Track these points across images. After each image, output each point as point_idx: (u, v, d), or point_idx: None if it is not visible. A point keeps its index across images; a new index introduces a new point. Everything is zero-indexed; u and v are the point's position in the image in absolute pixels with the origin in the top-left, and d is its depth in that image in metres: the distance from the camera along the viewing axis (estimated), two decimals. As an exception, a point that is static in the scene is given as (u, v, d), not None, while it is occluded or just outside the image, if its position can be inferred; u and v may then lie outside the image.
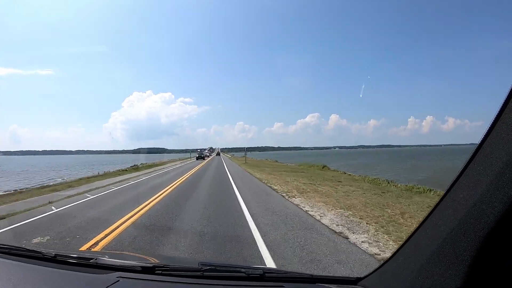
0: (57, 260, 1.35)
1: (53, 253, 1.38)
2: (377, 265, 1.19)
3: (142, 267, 1.29)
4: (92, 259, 1.33)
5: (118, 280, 1.16)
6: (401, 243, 1.02)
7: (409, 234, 0.97)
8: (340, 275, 1.98)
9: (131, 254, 2.48)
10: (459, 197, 0.77)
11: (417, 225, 0.93)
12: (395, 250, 1.04)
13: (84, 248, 4.32)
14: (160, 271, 1.26)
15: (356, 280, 1.19)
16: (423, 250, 0.87)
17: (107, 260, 1.34)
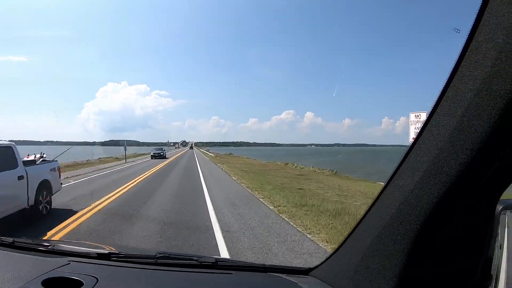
0: (14, 246, 1.37)
1: (11, 239, 1.40)
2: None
3: (97, 253, 1.30)
4: (49, 245, 1.35)
5: (69, 263, 1.17)
6: (347, 233, 1.06)
7: (355, 224, 1.01)
8: (293, 266, 1.85)
9: (92, 243, 2.00)
10: (398, 185, 0.80)
11: (362, 215, 0.97)
12: (342, 240, 1.08)
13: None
14: (116, 258, 1.27)
15: (308, 271, 1.22)
16: (365, 239, 0.90)
17: (63, 246, 1.36)
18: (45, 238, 4.56)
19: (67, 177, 14.23)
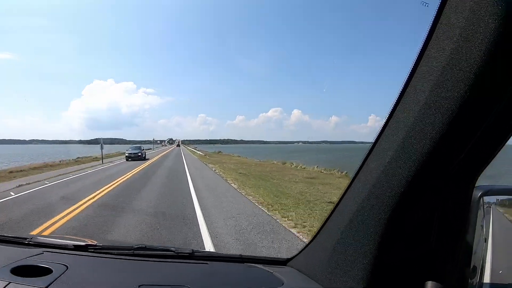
0: None
1: None
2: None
3: (74, 245, 1.28)
4: (28, 238, 1.33)
5: (42, 253, 1.16)
6: (321, 223, 1.06)
7: (328, 214, 1.01)
8: (271, 256, 2.03)
9: (72, 237, 2.17)
10: (369, 168, 0.80)
11: (336, 202, 0.96)
12: (317, 230, 1.08)
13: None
14: (93, 250, 1.26)
15: (286, 261, 1.24)
16: (338, 226, 0.90)
17: (41, 239, 1.35)
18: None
19: (18, 186, 10.79)
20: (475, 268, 0.69)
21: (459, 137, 0.61)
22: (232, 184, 11.06)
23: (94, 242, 1.32)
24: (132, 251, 1.25)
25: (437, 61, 0.61)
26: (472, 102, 0.57)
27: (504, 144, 0.62)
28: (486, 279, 0.68)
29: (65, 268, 1.01)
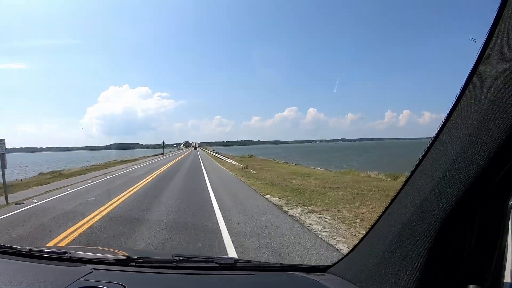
0: (32, 255, 1.35)
1: (27, 248, 1.38)
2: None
3: (115, 259, 1.29)
4: (66, 253, 1.33)
5: (92, 271, 1.16)
6: (366, 231, 1.06)
7: (373, 222, 1.02)
8: (310, 264, 1.96)
9: (105, 248, 2.16)
10: (417, 184, 0.82)
11: (380, 213, 0.98)
12: (360, 238, 1.09)
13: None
14: (134, 263, 1.25)
15: (325, 268, 1.22)
16: (384, 236, 0.92)
17: (81, 254, 1.34)
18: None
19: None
20: (508, 270, 0.71)
21: (505, 156, 0.64)
22: None
23: (130, 255, 1.34)
24: (174, 263, 1.24)
25: (485, 90, 0.65)
26: None
27: None
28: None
29: None
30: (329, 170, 20.33)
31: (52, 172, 22.38)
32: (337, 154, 61.27)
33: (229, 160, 27.36)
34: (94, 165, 28.83)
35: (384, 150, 73.60)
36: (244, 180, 13.21)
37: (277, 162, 30.86)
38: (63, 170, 23.95)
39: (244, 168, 19.27)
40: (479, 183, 0.67)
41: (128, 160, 36.52)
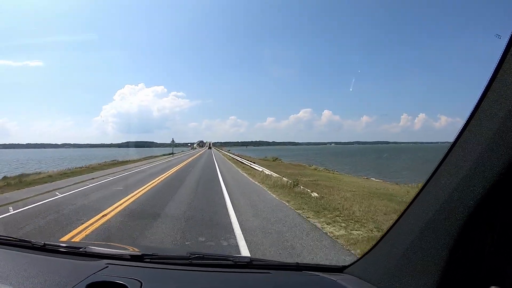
0: (47, 249, 1.34)
1: (42, 242, 1.37)
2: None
3: (130, 255, 1.28)
4: (81, 248, 1.32)
5: (107, 266, 1.15)
6: (384, 231, 1.04)
7: (392, 222, 0.99)
8: (326, 264, 1.94)
9: (120, 245, 2.07)
10: (440, 183, 0.81)
11: (400, 213, 0.95)
12: (378, 238, 1.06)
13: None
14: (149, 259, 1.25)
15: (342, 268, 1.21)
16: (405, 237, 0.90)
17: (96, 249, 1.33)
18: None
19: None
20: None
21: None
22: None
23: (139, 250, 1.36)
24: (189, 260, 1.23)
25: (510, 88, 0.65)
26: None
27: None
28: None
29: (140, 284, 1.00)
30: (397, 183, 14.65)
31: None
32: (364, 158, 56.07)
33: (257, 167, 17.98)
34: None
35: (411, 154, 67.25)
36: (327, 230, 4.98)
37: (317, 169, 23.31)
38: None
39: (294, 185, 9.89)
40: (502, 183, 0.66)
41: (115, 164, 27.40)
